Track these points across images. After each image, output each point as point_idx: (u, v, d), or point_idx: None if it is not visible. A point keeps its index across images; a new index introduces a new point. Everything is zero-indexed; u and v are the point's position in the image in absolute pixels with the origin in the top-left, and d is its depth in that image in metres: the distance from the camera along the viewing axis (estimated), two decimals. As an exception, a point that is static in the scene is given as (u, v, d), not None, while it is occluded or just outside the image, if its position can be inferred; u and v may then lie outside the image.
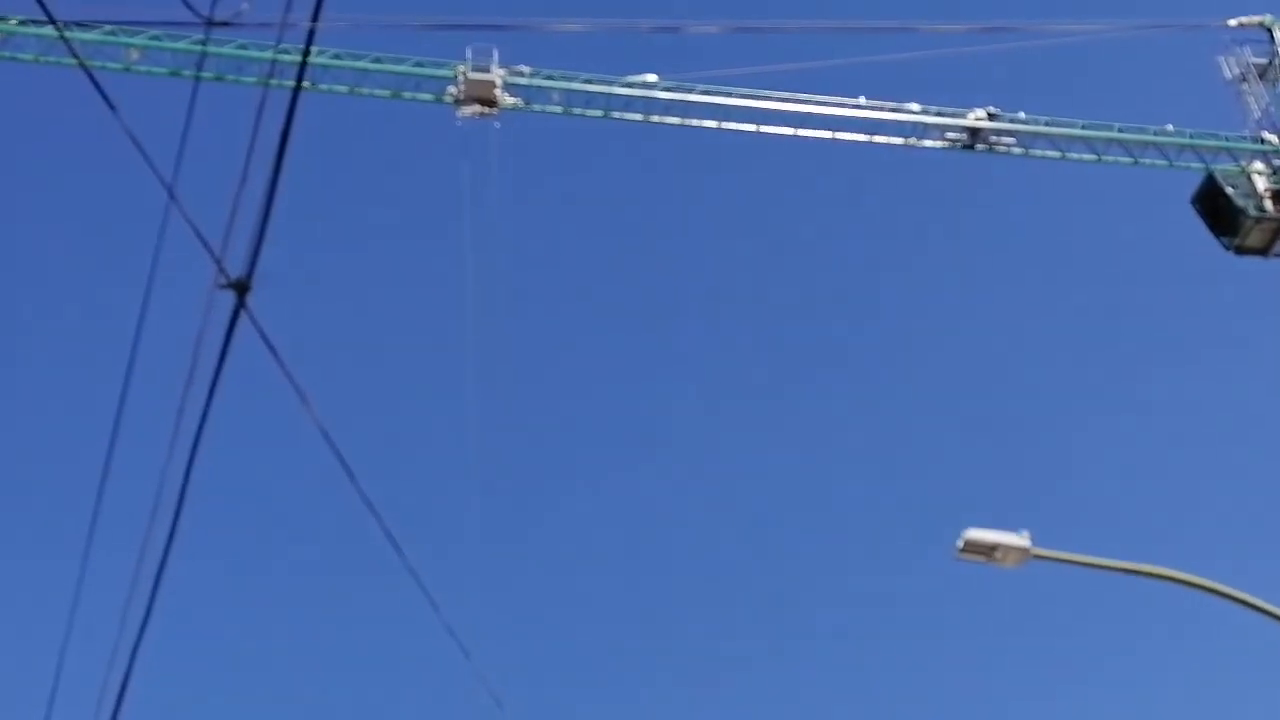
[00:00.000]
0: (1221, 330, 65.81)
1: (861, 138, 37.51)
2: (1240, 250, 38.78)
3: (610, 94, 36.41)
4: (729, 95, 36.70)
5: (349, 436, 11.89)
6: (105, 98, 11.60)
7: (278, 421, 53.11)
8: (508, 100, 36.03)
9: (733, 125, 36.96)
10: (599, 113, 36.57)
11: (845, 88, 37.29)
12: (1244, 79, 39.76)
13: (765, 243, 70.63)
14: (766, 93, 36.99)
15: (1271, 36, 39.98)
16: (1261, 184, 38.33)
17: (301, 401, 11.32)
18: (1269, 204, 38.21)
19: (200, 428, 10.83)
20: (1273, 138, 38.87)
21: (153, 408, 13.24)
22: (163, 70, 34.01)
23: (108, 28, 33.67)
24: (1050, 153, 38.24)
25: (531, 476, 60.18)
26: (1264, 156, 38.81)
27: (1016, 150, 38.11)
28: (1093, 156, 38.37)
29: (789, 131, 37.12)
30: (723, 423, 66.11)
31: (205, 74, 32.16)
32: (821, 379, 67.35)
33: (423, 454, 64.25)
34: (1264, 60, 39.87)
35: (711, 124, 36.92)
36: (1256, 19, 40.08)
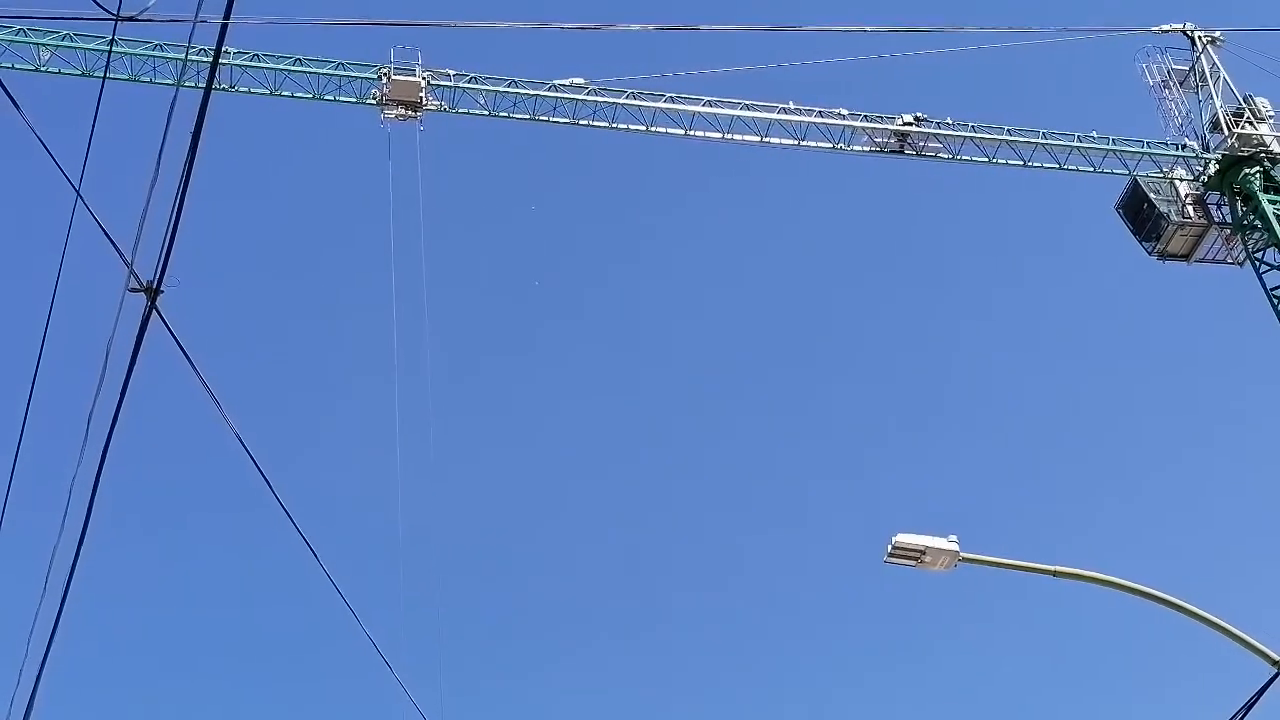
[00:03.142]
0: (1146, 334, 66.67)
1: (790, 142, 37.54)
2: (1164, 256, 39.20)
3: (537, 97, 36.18)
4: (657, 99, 36.61)
5: (263, 439, 11.57)
6: (10, 96, 11.22)
7: (190, 425, 52.43)
8: (432, 103, 35.70)
9: (661, 129, 36.87)
10: (525, 116, 36.33)
11: (774, 92, 37.33)
12: (1165, 85, 40.19)
13: (696, 245, 70.68)
14: (695, 97, 36.96)
15: (1192, 43, 40.45)
16: (1184, 190, 38.78)
17: (215, 404, 11.01)
18: (1191, 210, 38.64)
19: (111, 431, 10.49)
20: (1194, 144, 39.34)
21: (63, 411, 12.85)
22: (74, 71, 33.35)
23: (17, 27, 32.95)
24: (978, 158, 38.46)
25: (461, 457, 59.66)
26: (1185, 163, 39.26)
27: (944, 155, 38.29)
28: (1019, 162, 38.63)
29: (717, 136, 37.08)
30: (642, 426, 66.03)
31: (117, 74, 31.54)
32: (757, 379, 67.51)
33: (343, 456, 63.57)
34: (1184, 67, 40.33)
35: (639, 128, 36.80)
36: (1178, 26, 40.55)
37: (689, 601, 64.09)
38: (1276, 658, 13.82)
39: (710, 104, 36.99)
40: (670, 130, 36.94)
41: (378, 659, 14.39)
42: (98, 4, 11.03)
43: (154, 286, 10.19)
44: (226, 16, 9.91)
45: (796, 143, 37.62)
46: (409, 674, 15.48)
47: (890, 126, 37.82)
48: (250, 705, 60.27)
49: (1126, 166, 38.96)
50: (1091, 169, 38.82)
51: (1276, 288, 37.29)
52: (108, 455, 10.53)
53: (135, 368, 10.31)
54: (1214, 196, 38.88)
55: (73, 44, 33.34)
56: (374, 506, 59.43)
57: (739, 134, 37.16)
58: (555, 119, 36.32)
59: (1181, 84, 40.16)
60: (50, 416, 15.04)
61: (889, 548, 15.33)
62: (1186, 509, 63.64)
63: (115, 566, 52.03)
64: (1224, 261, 39.06)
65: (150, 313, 10.24)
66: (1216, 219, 38.57)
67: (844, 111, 37.70)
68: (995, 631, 62.11)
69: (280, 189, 67.07)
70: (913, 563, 15.57)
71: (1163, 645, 54.39)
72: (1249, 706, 13.61)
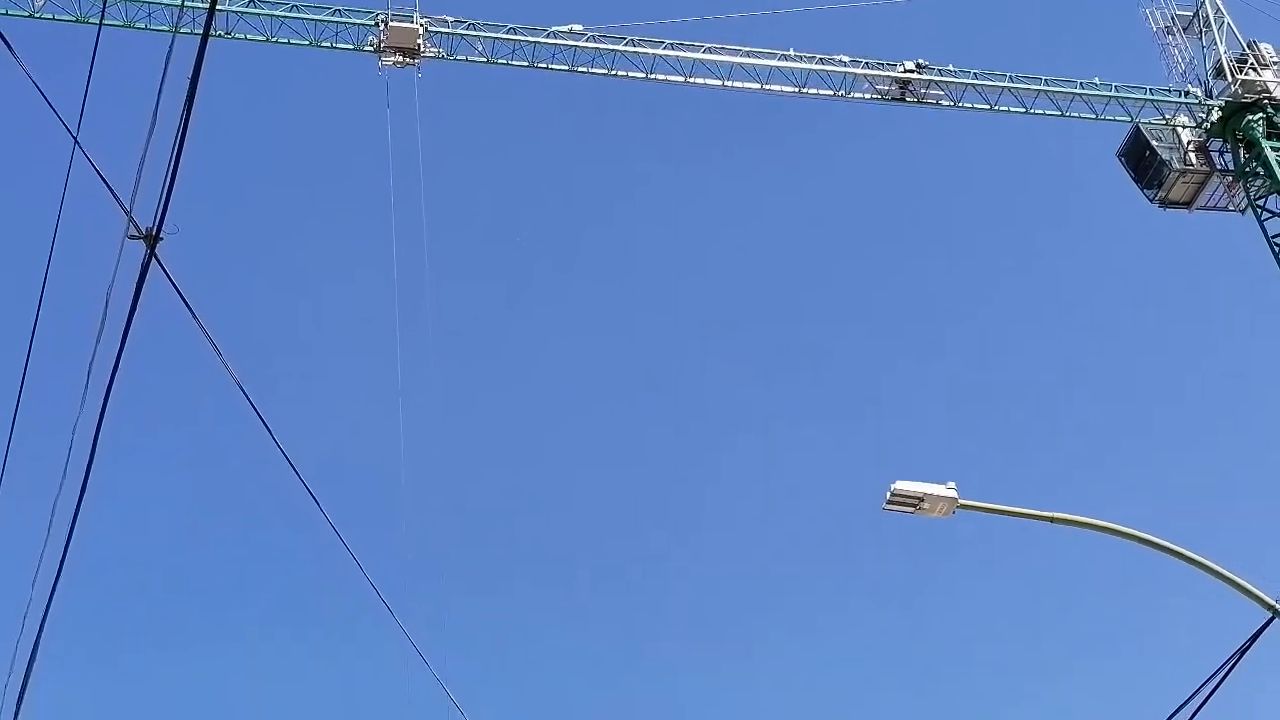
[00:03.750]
0: (1145, 282, 66.60)
1: (790, 89, 37.37)
2: (1164, 203, 39.12)
3: (535, 44, 35.98)
4: (656, 46, 36.41)
5: (264, 387, 11.60)
6: (6, 43, 11.16)
7: (191, 373, 52.54)
8: (430, 50, 35.51)
9: (660, 77, 36.68)
10: (523, 63, 36.15)
11: (774, 39, 37.13)
12: (1169, 31, 39.95)
13: (695, 192, 70.51)
14: (694, 44, 36.75)
15: (1196, -13, 40.18)
16: (1186, 137, 38.63)
17: (216, 353, 11.02)
18: (1193, 157, 38.51)
19: (111, 379, 10.51)
20: (1197, 91, 39.15)
21: (63, 360, 12.86)
22: (69, 17, 33.12)
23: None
24: (979, 105, 38.26)
25: (458, 430, 59.81)
26: (1188, 110, 39.09)
27: (946, 103, 38.11)
28: (1021, 109, 38.45)
29: (717, 83, 36.90)
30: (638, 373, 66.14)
31: (113, 21, 31.35)
32: (754, 325, 67.51)
33: (341, 401, 63.64)
34: (1188, 12, 40.08)
35: (639, 75, 36.62)
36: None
37: (686, 546, 64.39)
38: (1272, 602, 13.92)
39: (709, 50, 36.80)
40: (670, 78, 36.78)
41: (380, 602, 14.48)
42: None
43: (153, 234, 10.18)
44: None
45: (797, 90, 37.44)
46: (409, 618, 15.58)
47: (891, 74, 37.63)
48: (253, 645, 60.62)
49: (1129, 113, 38.79)
50: (1094, 116, 38.65)
51: (1278, 235, 37.24)
52: (108, 404, 10.56)
53: (135, 315, 10.32)
54: (1216, 143, 38.75)
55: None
56: (374, 447, 59.62)
57: (738, 81, 37.00)
58: (553, 66, 36.15)
59: (1185, 30, 39.92)
60: (51, 365, 15.07)
61: (888, 494, 15.41)
62: (1184, 456, 63.87)
63: (116, 515, 52.24)
64: (1225, 209, 39.00)
65: (150, 260, 10.23)
66: (1219, 166, 38.47)
67: (845, 59, 37.50)
68: (993, 579, 62.44)
69: (278, 136, 66.86)
70: (911, 509, 15.66)
71: (1160, 591, 54.74)
72: (1243, 651, 13.72)
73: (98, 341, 10.91)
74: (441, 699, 16.75)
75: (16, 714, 12.53)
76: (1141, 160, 38.76)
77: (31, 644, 12.24)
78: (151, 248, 10.27)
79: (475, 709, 17.48)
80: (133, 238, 10.33)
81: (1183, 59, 39.58)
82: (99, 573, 51.75)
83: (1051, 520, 15.47)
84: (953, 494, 15.46)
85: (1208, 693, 13.92)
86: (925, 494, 15.43)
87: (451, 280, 59.79)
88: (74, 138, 11.76)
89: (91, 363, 11.00)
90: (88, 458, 10.85)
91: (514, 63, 36.15)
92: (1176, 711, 14.11)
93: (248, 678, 59.20)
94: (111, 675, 59.67)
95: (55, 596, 11.90)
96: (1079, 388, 66.15)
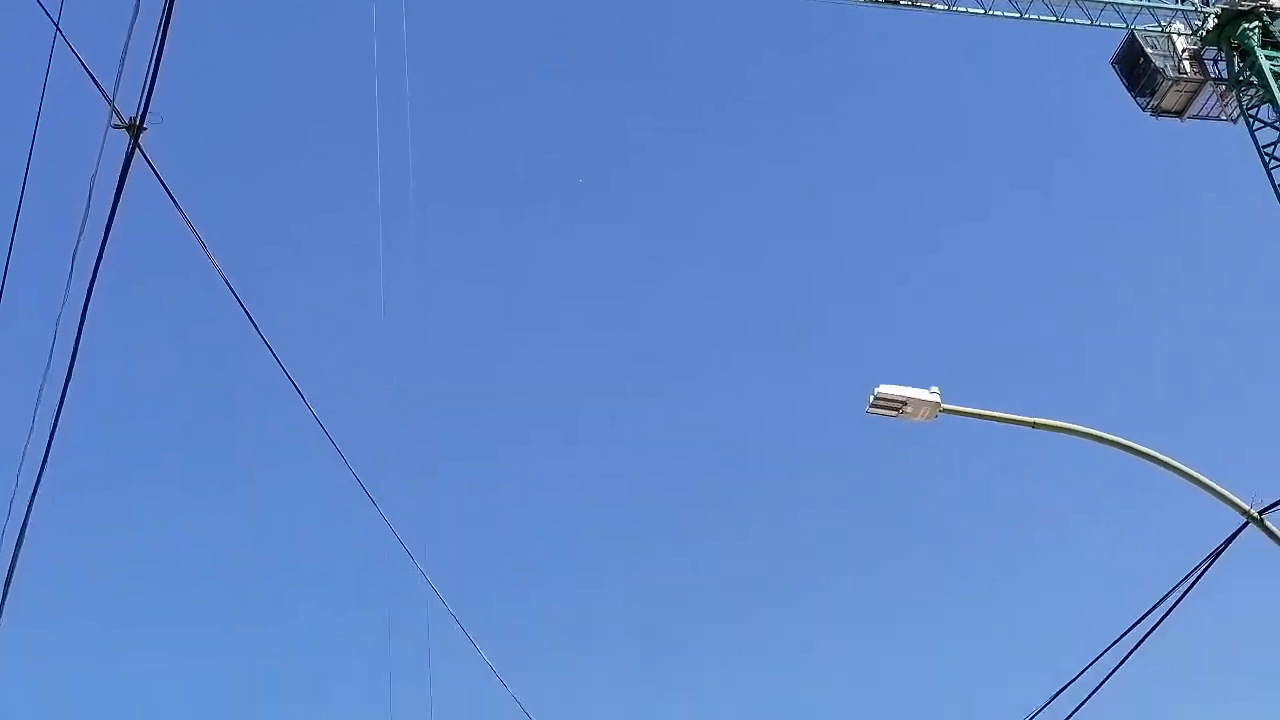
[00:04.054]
0: (1135, 191, 66.47)
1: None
2: (1157, 112, 38.92)
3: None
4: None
5: (248, 280, 11.59)
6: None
7: (175, 265, 52.41)
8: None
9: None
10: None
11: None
12: (1167, -65, 39.47)
13: (688, 96, 69.96)
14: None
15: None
16: (1181, 45, 38.35)
17: (200, 245, 10.99)
18: (1187, 65, 38.26)
19: (95, 269, 10.49)
20: (1194, -3, 38.80)
21: (46, 251, 12.82)
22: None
23: None
24: (973, 9, 37.87)
25: (445, 318, 59.81)
26: (1184, 17, 38.77)
27: (939, 6, 37.72)
28: (1015, 14, 38.07)
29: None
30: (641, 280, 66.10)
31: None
32: (743, 236, 67.38)
33: (325, 296, 63.49)
34: (1187, -83, 39.56)
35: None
36: None
37: (672, 431, 64.58)
38: (1246, 507, 14.10)
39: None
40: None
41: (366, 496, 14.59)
42: None
43: (137, 123, 10.12)
44: None
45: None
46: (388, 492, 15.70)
47: (886, -26, 37.16)
48: (233, 502, 61.01)
49: (1124, 20, 38.48)
50: (1089, 22, 38.34)
51: (1269, 145, 37.12)
52: (92, 295, 10.55)
53: (119, 206, 10.28)
54: (1211, 52, 38.48)
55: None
56: (358, 339, 59.63)
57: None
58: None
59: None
60: (33, 257, 15.01)
61: (871, 398, 15.49)
62: (1166, 362, 64.12)
63: (101, 396, 52.14)
64: (1217, 118, 38.82)
65: (133, 150, 10.17)
66: (1212, 75, 38.24)
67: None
68: (974, 484, 63.02)
69: (266, 24, 65.96)
70: (894, 413, 15.76)
71: (1137, 496, 55.36)
72: (1217, 554, 13.94)
73: (80, 232, 10.88)
74: (424, 589, 16.96)
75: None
76: (1135, 68, 38.51)
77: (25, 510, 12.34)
78: (135, 137, 10.21)
79: (456, 598, 17.71)
80: (116, 127, 10.27)
81: (1181, -36, 39.17)
82: (83, 474, 52.01)
83: (1033, 425, 15.60)
84: (936, 398, 15.57)
85: (1179, 595, 14.17)
86: (908, 398, 15.53)
87: (435, 158, 59.28)
88: (55, 25, 11.62)
89: (75, 254, 10.97)
90: (71, 351, 10.87)
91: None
92: (1148, 612, 14.38)
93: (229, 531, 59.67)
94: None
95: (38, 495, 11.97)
96: (1062, 293, 66.27)
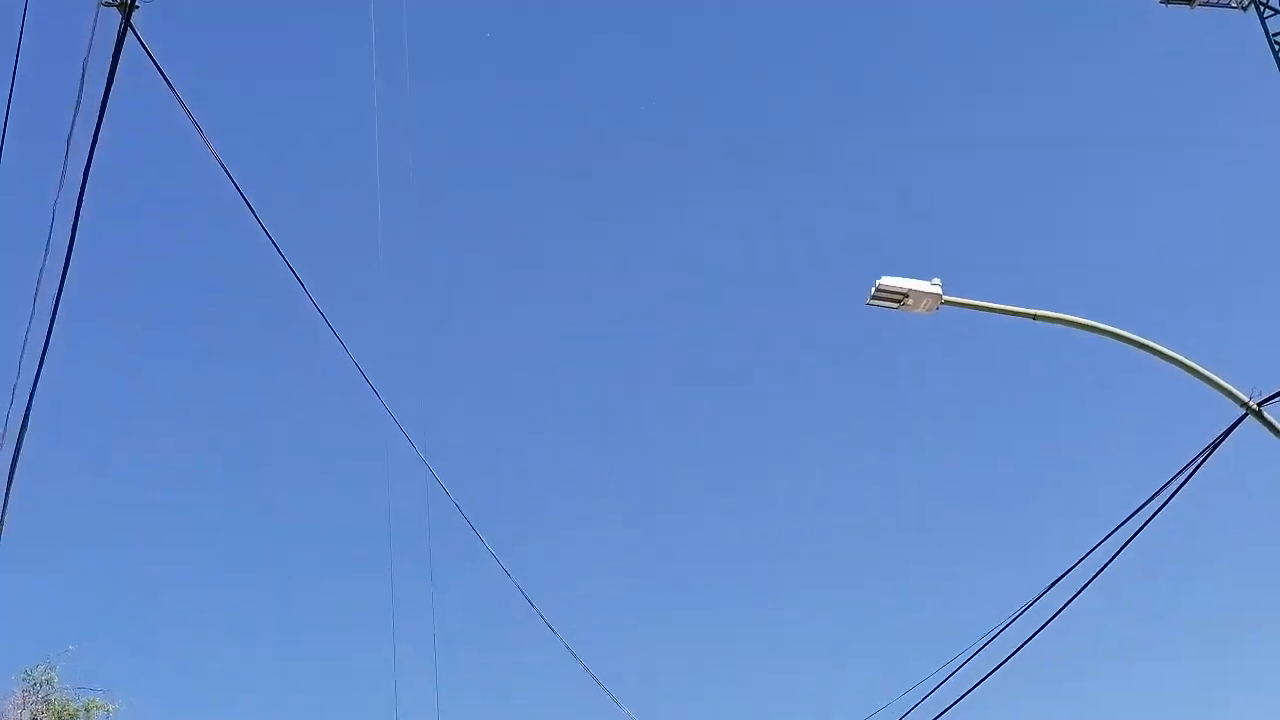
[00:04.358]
0: (1142, 78, 65.68)
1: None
2: (1166, -1, 38.34)
3: None
4: None
5: (244, 164, 11.44)
6: None
7: (169, 148, 51.94)
8: None
9: None
10: None
11: None
12: None
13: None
14: None
15: None
16: (1192, -72, 37.67)
17: (194, 126, 10.84)
18: (1197, -50, 37.60)
19: (91, 151, 10.34)
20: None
21: (39, 134, 12.65)
22: None
23: None
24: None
25: (436, 194, 59.42)
26: (1196, -99, 38.00)
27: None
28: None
29: None
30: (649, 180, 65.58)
31: None
32: (740, 127, 66.73)
33: (322, 176, 63.03)
34: None
35: None
36: None
37: (666, 324, 64.55)
38: (1245, 398, 14.08)
39: None
40: None
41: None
42: None
43: (128, 1, 9.93)
44: None
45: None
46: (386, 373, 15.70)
47: None
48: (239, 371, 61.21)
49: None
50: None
51: (1278, 33, 36.60)
52: (89, 178, 10.42)
53: (112, 86, 10.10)
54: (1223, -64, 37.80)
55: None
56: (355, 226, 59.37)
57: None
58: None
59: None
60: (25, 141, 14.81)
61: (872, 290, 15.38)
62: (1167, 252, 63.88)
63: (95, 291, 52.02)
64: (1227, 5, 38.24)
65: (125, 29, 9.98)
66: (1223, -39, 37.60)
67: None
68: (975, 376, 63.13)
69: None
70: (895, 305, 15.66)
71: (1136, 389, 55.57)
72: (1215, 446, 13.96)
73: (75, 114, 10.71)
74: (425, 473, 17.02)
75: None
76: (1146, -45, 37.88)
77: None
78: (127, 16, 10.02)
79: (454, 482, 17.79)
80: (106, 4, 10.07)
81: None
82: (82, 360, 52.02)
83: (1034, 317, 15.51)
84: (937, 290, 15.45)
85: (1176, 487, 14.20)
86: (910, 289, 15.42)
87: (434, 64, 58.62)
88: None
89: (70, 135, 10.81)
90: (70, 232, 10.76)
91: None
92: (1145, 504, 14.43)
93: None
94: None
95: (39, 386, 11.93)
96: (1064, 183, 65.74)
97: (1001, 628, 16.34)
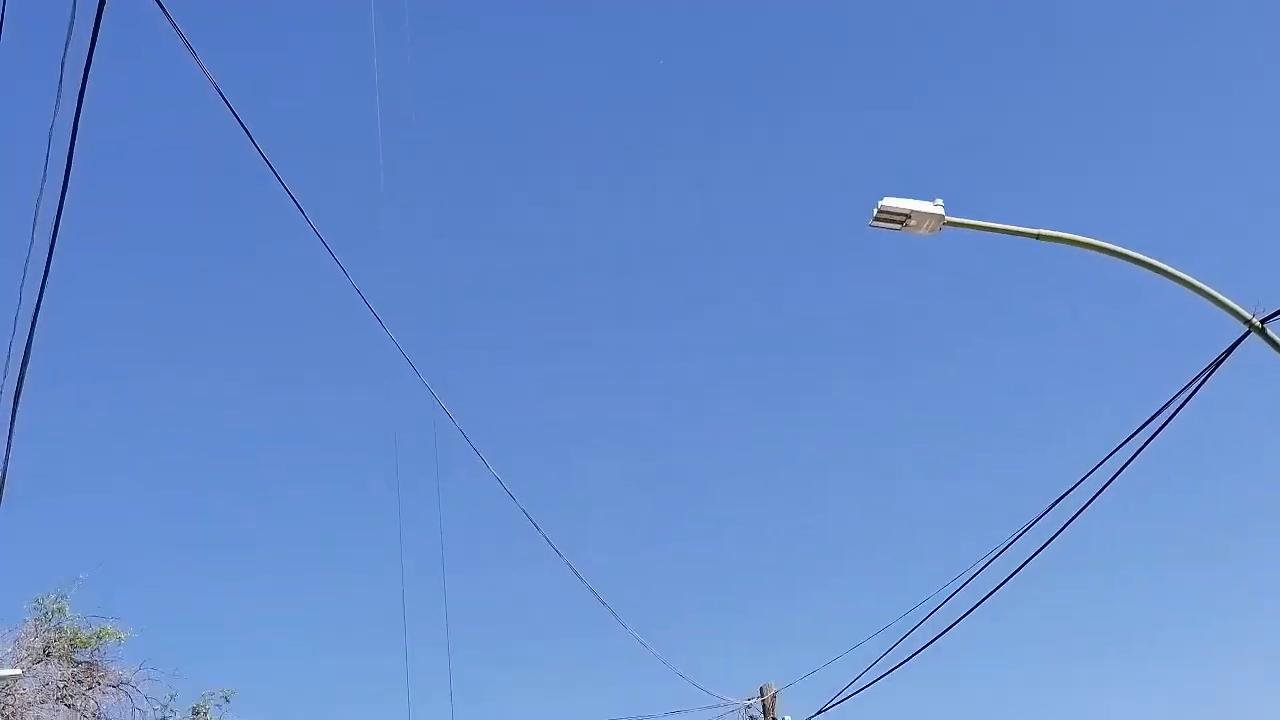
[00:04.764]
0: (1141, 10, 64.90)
1: None
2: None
3: None
4: None
5: (241, 88, 11.36)
6: None
7: (165, 70, 51.50)
8: None
9: None
10: None
11: None
12: None
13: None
14: None
15: None
16: None
17: (190, 52, 10.74)
18: None
19: (85, 74, 10.26)
20: None
21: (32, 60, 12.55)
22: None
23: None
24: None
25: (436, 133, 59.01)
26: None
27: None
28: None
29: None
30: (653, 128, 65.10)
31: None
32: (744, 53, 66.10)
33: (321, 101, 62.44)
34: None
35: None
36: None
37: (672, 232, 64.15)
38: (1248, 315, 14.06)
39: None
40: None
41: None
42: None
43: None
44: None
45: None
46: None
47: None
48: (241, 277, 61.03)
49: None
50: None
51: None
52: (83, 104, 10.35)
53: (104, 12, 10.00)
54: None
55: None
56: (352, 152, 58.95)
57: None
58: None
59: None
60: (19, 67, 14.73)
61: (875, 211, 15.32)
62: (1166, 171, 63.31)
63: (95, 214, 51.52)
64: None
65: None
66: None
67: None
68: (978, 298, 62.87)
69: None
70: (898, 226, 15.59)
71: (1139, 307, 55.23)
72: (1217, 363, 13.96)
73: (68, 39, 10.62)
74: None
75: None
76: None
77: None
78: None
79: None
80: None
81: None
82: (81, 286, 51.89)
83: (1037, 237, 15.45)
84: (939, 211, 15.39)
85: (1178, 405, 14.23)
86: (912, 210, 15.34)
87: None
88: None
89: (64, 59, 10.73)
90: (66, 157, 10.70)
91: None
92: (1147, 422, 14.47)
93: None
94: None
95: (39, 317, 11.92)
96: (1065, 105, 65.10)
97: (1003, 547, 16.47)
